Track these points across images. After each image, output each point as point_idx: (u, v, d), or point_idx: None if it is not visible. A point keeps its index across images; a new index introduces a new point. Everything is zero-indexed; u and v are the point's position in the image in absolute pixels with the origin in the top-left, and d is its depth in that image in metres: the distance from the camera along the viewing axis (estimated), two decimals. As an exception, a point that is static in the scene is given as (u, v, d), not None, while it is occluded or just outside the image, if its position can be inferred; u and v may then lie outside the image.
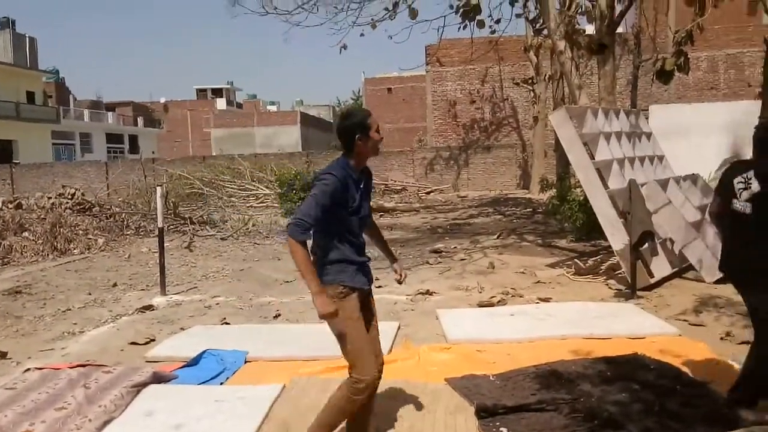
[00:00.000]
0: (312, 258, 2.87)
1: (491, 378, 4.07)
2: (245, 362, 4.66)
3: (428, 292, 6.94)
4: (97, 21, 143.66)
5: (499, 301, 6.41)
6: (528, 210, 15.66)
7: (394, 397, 3.79)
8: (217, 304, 6.89)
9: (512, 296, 6.67)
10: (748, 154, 13.19)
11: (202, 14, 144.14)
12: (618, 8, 10.03)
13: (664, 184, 7.71)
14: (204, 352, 4.73)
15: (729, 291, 6.37)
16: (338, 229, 2.91)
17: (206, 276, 8.56)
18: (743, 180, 3.26)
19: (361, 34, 12.81)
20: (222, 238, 12.11)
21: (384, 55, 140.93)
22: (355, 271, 2.97)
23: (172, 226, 13.08)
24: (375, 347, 3.06)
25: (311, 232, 2.83)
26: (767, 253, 3.19)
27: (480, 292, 6.91)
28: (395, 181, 24.22)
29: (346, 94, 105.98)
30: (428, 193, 23.21)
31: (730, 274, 3.46)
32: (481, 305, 6.29)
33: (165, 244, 7.81)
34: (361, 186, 3.00)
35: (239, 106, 63.58)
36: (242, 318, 6.23)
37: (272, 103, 71.53)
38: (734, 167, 3.49)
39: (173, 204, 14.32)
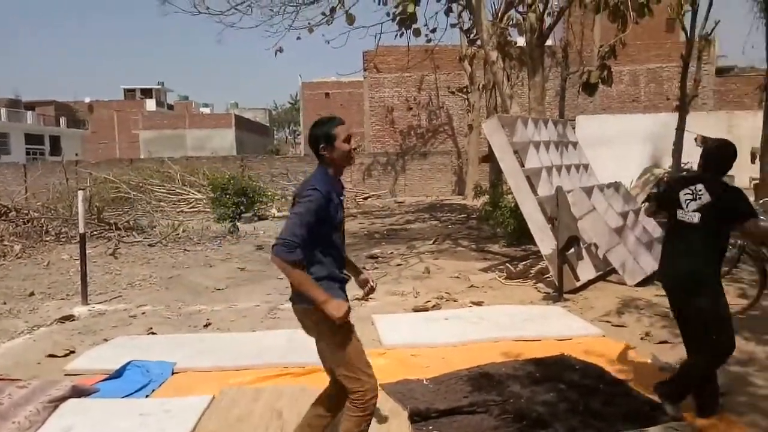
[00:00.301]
0: None
1: (425, 382, 4.11)
2: (172, 373, 4.49)
3: (364, 298, 6.92)
4: (16, 15, 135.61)
5: (434, 306, 6.49)
6: (463, 216, 15.97)
7: (328, 404, 3.75)
8: (143, 313, 6.60)
9: (447, 300, 6.76)
10: (666, 163, 14.00)
11: (131, 11, 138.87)
12: (547, 22, 10.42)
13: (588, 191, 8.05)
14: (128, 363, 4.52)
15: (649, 293, 6.73)
16: (322, 244, 2.79)
17: (132, 284, 8.21)
18: (691, 192, 3.48)
19: (298, 38, 12.73)
20: (150, 245, 11.65)
21: (322, 60, 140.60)
22: (338, 288, 2.87)
23: (95, 232, 12.48)
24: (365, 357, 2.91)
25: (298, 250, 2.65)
26: (711, 260, 3.43)
27: (416, 297, 6.96)
28: (332, 187, 24.15)
29: (284, 98, 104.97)
30: (366, 198, 23.29)
31: (672, 280, 3.57)
32: (416, 310, 6.34)
33: (87, 251, 7.43)
34: (341, 198, 2.90)
35: (170, 107, 61.55)
36: (170, 328, 6.00)
37: (205, 105, 69.73)
38: (678, 181, 3.74)
39: (97, 209, 13.67)
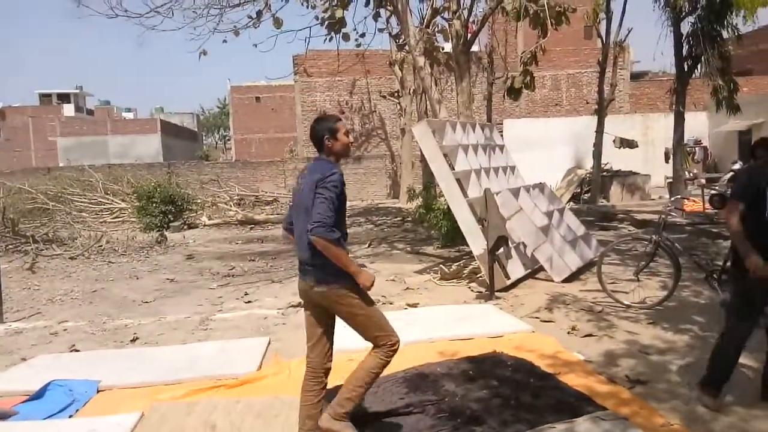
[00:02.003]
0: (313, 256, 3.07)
1: (361, 386, 4.11)
2: (98, 392, 4.29)
3: (300, 305, 6.82)
4: None
5: (369, 310, 6.50)
6: (398, 219, 16.12)
7: (263, 414, 3.69)
8: (65, 330, 6.27)
9: (383, 303, 6.80)
10: (588, 163, 14.68)
11: (45, 12, 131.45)
12: (472, 28, 10.70)
13: (515, 192, 8.33)
14: (49, 383, 4.29)
15: (575, 289, 7.04)
16: (338, 224, 3.06)
17: (52, 300, 7.77)
18: None
19: (224, 41, 12.47)
20: (71, 258, 11.07)
21: (251, 64, 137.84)
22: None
23: (10, 246, 11.73)
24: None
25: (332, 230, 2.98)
26: None
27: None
28: (266, 193, 23.75)
29: (212, 102, 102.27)
30: (298, 204, 23.03)
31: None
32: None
33: (2, 266, 6.97)
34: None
35: (90, 112, 58.65)
36: (94, 344, 5.72)
37: (128, 110, 66.91)
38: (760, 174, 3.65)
39: (12, 221, 12.86)
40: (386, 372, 4.36)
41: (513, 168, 9.77)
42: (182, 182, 21.32)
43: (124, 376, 4.53)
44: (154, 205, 14.84)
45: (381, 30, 14.37)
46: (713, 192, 14.19)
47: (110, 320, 6.59)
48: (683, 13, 14.97)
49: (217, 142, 69.15)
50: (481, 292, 7.12)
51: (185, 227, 15.63)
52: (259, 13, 11.39)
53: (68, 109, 53.59)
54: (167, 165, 25.72)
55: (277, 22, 11.32)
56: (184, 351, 5.19)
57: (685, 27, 15.12)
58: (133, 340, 5.76)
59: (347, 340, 5.24)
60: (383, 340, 3.19)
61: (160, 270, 9.77)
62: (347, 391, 3.15)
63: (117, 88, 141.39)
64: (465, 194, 7.69)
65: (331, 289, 3.09)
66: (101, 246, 12.03)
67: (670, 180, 16.81)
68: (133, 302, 7.50)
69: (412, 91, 20.86)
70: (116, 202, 17.64)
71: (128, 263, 10.51)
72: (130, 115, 62.05)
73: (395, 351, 3.23)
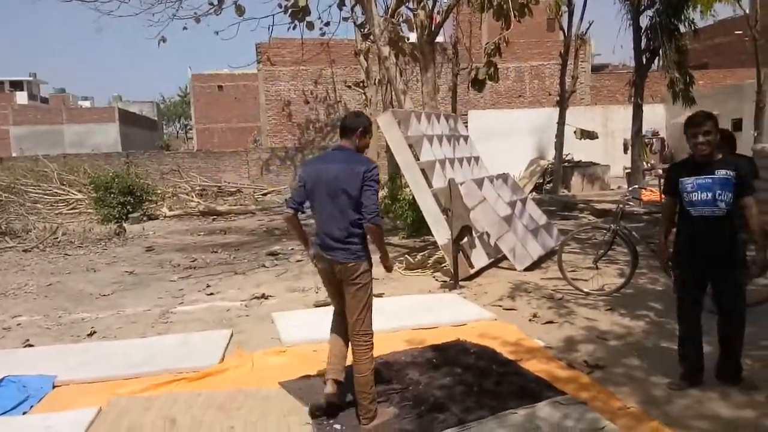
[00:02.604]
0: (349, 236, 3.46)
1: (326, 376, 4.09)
2: (53, 387, 4.17)
3: (264, 296, 6.80)
4: None
5: (334, 300, 6.48)
6: (362, 209, 16.09)
7: (225, 407, 3.65)
8: (19, 324, 6.06)
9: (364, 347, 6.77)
10: (550, 154, 14.88)
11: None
12: (437, 19, 10.70)
13: (479, 182, 8.41)
14: (2, 379, 4.18)
15: (536, 277, 7.17)
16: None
17: (5, 294, 7.50)
18: None
19: (184, 28, 12.16)
20: (25, 250, 10.70)
21: (213, 51, 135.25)
22: None
23: (-41, 239, 11.24)
24: None
25: (354, 215, 3.44)
26: None
27: (317, 293, 6.92)
28: (229, 183, 23.38)
29: (172, 91, 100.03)
30: (265, 194, 22.77)
31: None
32: (317, 305, 6.30)
33: (-52, 260, 6.68)
34: None
35: (44, 101, 56.63)
36: (49, 338, 5.55)
37: (85, 98, 64.87)
38: None
39: (-39, 213, 12.33)
40: (350, 361, 4.39)
41: (477, 159, 9.85)
42: (141, 172, 20.79)
43: (80, 371, 4.41)
44: (112, 196, 14.43)
45: (345, 19, 14.29)
46: (669, 182, 14.64)
47: (66, 314, 6.40)
48: (642, 7, 15.31)
49: (178, 132, 67.65)
50: (445, 281, 7.18)
51: (145, 219, 15.27)
52: (221, 0, 11.15)
53: (21, 97, 51.59)
54: (126, 155, 25.03)
55: (239, 10, 11.12)
56: (143, 344, 5.08)
57: (644, 21, 15.49)
58: (90, 334, 5.61)
59: (312, 332, 5.24)
60: (362, 327, 3.50)
61: (119, 262, 9.53)
62: (363, 400, 3.45)
63: (73, 75, 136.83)
64: (430, 184, 7.72)
65: (357, 264, 3.46)
66: (57, 238, 11.65)
67: (629, 170, 17.23)
68: (91, 295, 7.30)
69: (377, 81, 20.77)
70: (72, 193, 17.12)
71: (85, 256, 10.22)
72: (86, 104, 60.15)
73: (371, 347, 3.55)
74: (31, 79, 56.42)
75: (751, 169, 5.31)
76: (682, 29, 15.21)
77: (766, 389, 3.70)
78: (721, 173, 3.57)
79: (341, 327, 3.68)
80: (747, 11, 18.74)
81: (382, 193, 13.41)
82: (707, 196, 3.59)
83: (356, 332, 3.51)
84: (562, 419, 3.25)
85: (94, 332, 5.67)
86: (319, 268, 3.63)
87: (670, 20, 14.76)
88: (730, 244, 3.66)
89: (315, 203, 3.54)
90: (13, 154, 33.81)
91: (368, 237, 3.49)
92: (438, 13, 10.89)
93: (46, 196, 16.79)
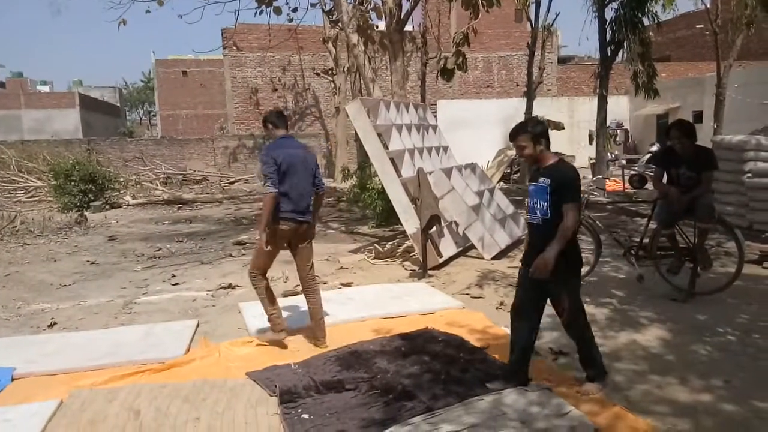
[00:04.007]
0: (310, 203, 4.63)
1: (293, 366, 4.08)
2: (12, 380, 4.04)
3: (230, 286, 6.71)
4: None
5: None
6: (332, 198, 16.01)
7: (191, 398, 3.59)
8: (-25, 316, 5.85)
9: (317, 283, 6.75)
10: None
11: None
12: (405, 7, 10.66)
13: (448, 172, 8.44)
14: (-44, 373, 4.00)
15: (503, 266, 7.25)
16: None
17: (-41, 285, 7.23)
18: None
19: (147, 11, 11.86)
20: (-19, 239, 10.33)
21: (178, 36, 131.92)
22: None
23: None
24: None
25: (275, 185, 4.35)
26: None
27: (285, 282, 6.88)
28: (195, 171, 22.98)
29: (135, 76, 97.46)
30: (232, 183, 22.47)
31: None
32: (286, 295, 6.26)
33: None
34: None
35: (1, 85, 54.59)
36: (8, 330, 5.37)
37: (44, 83, 62.62)
38: None
39: None
40: (317, 351, 4.39)
41: (446, 148, 9.89)
42: (104, 160, 20.30)
43: (41, 363, 4.29)
44: (72, 183, 14.03)
45: (313, 5, 14.10)
46: (633, 172, 14.99)
47: (25, 305, 6.21)
48: (607, 0, 15.53)
49: (141, 118, 66.07)
50: (414, 270, 7.21)
51: (107, 207, 14.90)
52: (186, -17, 10.87)
53: (-25, 81, 49.61)
54: (87, 141, 24.36)
55: (205, -7, 10.87)
56: (106, 336, 4.96)
57: (609, 13, 15.72)
58: (51, 326, 5.45)
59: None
60: (313, 270, 4.81)
61: (80, 252, 9.28)
62: (322, 322, 4.67)
63: (31, 59, 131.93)
64: (399, 174, 7.72)
65: (312, 224, 4.63)
66: (15, 227, 11.28)
67: (593, 161, 17.56)
68: (51, 286, 7.09)
69: (346, 69, 20.65)
70: (31, 181, 16.60)
71: (45, 245, 9.92)
72: (45, 89, 58.08)
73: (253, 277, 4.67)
74: (-15, 62, 54.23)
75: (710, 160, 5.48)
76: (646, 22, 15.52)
77: (720, 375, 3.83)
78: (541, 181, 3.46)
79: (268, 282, 4.70)
80: (708, 5, 19.20)
81: (351, 182, 13.38)
82: (530, 203, 3.57)
83: (311, 275, 4.71)
84: (527, 405, 3.31)
85: (55, 323, 5.51)
86: (285, 230, 4.43)
87: (634, 13, 15.02)
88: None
89: (292, 181, 4.36)
90: (-33, 140, 32.52)
91: (318, 202, 4.72)
92: (407, 1, 10.84)
93: (3, 184, 16.25)
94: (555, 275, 3.35)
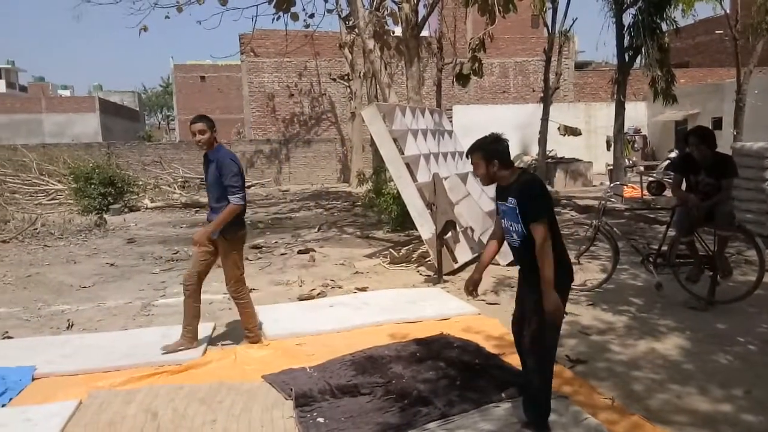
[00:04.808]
0: None
1: (308, 370, 4.10)
2: (33, 380, 4.10)
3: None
4: None
5: (319, 294, 6.48)
6: (348, 203, 16.05)
7: (207, 400, 3.62)
8: (-4, 316, 5.95)
9: (332, 288, 6.78)
10: (534, 150, 15.02)
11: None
12: (422, 13, 10.68)
13: (464, 177, 8.43)
14: (-21, 372, 4.07)
15: (518, 272, 7.20)
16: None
17: (-19, 285, 7.36)
18: None
19: (167, 17, 12.03)
20: (3, 241, 10.50)
21: (196, 42, 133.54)
22: None
23: (-66, 229, 11.00)
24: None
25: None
26: None
27: (300, 286, 6.91)
28: (211, 175, 23.16)
29: (154, 81, 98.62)
30: (248, 187, 22.62)
31: None
32: (301, 299, 6.29)
33: (-77, 250, 6.53)
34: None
35: (23, 89, 55.59)
36: (28, 330, 5.46)
37: (65, 87, 63.73)
38: None
39: (-64, 202, 12.07)
40: (333, 356, 4.39)
41: (461, 153, 9.87)
42: (123, 163, 20.54)
43: (60, 364, 4.35)
44: (92, 186, 14.23)
45: (330, 11, 14.20)
46: (650, 179, 14.83)
47: (46, 306, 6.31)
48: (625, 5, 15.40)
49: (160, 123, 66.82)
50: (429, 275, 7.20)
51: (126, 210, 15.08)
52: (204, -11, 11.01)
53: (-1, 85, 50.59)
54: (106, 145, 24.66)
55: (223, -1, 11.00)
56: (124, 337, 5.02)
57: (627, 19, 15.58)
58: (70, 327, 5.53)
59: (296, 325, 5.23)
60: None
61: (100, 254, 9.41)
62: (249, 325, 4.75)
63: (52, 64, 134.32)
64: (414, 179, 7.72)
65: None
66: (36, 229, 11.46)
67: (611, 167, 17.39)
68: (71, 287, 7.19)
69: (362, 74, 20.69)
70: (52, 184, 16.85)
71: (65, 247, 10.07)
72: (66, 93, 59.13)
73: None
74: (9, 66, 55.33)
75: (730, 167, 5.42)
76: (664, 27, 15.35)
77: (741, 385, 3.77)
78: (509, 201, 3.12)
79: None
80: (727, 11, 18.97)
81: (366, 187, 13.41)
82: (505, 224, 3.24)
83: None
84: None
85: (73, 324, 5.59)
86: (245, 233, 4.68)
87: (653, 18, 14.87)
88: (529, 281, 3.12)
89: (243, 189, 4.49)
90: (-10, 143, 33.12)
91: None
92: (424, 6, 10.86)
93: (24, 187, 16.50)
94: (535, 291, 3.03)
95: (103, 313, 5.96)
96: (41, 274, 7.97)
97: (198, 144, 4.52)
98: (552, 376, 3.18)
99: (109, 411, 3.51)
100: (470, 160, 3.29)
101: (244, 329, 4.77)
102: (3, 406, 3.73)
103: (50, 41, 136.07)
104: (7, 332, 5.36)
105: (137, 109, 57.64)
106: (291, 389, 3.72)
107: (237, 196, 4.40)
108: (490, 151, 3.17)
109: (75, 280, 7.51)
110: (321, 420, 3.35)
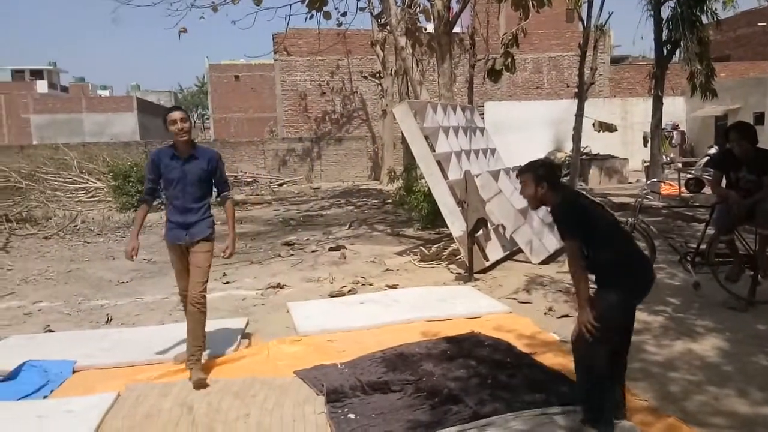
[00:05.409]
0: None
1: (339, 366, 4.13)
2: (73, 372, 4.24)
3: (279, 286, 6.84)
4: None
5: (349, 291, 6.52)
6: (378, 200, 16.10)
7: (241, 395, 3.69)
8: (39, 310, 6.17)
9: (363, 285, 6.81)
10: (568, 147, 14.76)
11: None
12: (454, 9, 10.61)
13: (495, 174, 8.36)
14: (23, 363, 4.23)
15: (552, 271, 7.12)
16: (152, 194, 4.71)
17: (26, 279, 7.63)
18: None
19: (201, 17, 12.20)
20: (45, 237, 10.87)
21: (230, 41, 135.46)
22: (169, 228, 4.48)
23: (-18, 225, 11.44)
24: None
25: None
26: None
27: (331, 283, 6.96)
28: (245, 173, 23.51)
29: (190, 80, 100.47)
30: (281, 185, 22.87)
31: None
32: (332, 295, 6.34)
33: (-28, 246, 6.81)
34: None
35: (64, 89, 57.29)
36: (69, 324, 5.65)
37: (104, 88, 65.50)
38: None
39: (-17, 200, 12.55)
40: (364, 353, 4.42)
41: (493, 150, 9.79)
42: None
43: (99, 357, 4.48)
44: (130, 184, 14.58)
45: (362, 9, 14.24)
46: (689, 176, 14.44)
47: (86, 301, 6.51)
48: (663, -2, 15.04)
49: (195, 121, 68.05)
50: (460, 273, 7.17)
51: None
52: (238, -11, 11.16)
53: (41, 86, 52.27)
54: (144, 144, 25.28)
55: (257, -1, 11.13)
56: (161, 332, 5.14)
57: (665, 12, 15.22)
58: (109, 321, 5.70)
59: (327, 322, 5.28)
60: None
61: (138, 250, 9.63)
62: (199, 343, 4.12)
63: (92, 64, 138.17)
64: (445, 176, 7.69)
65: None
66: (76, 226, 11.82)
67: (648, 164, 17.01)
68: (110, 282, 7.40)
69: (393, 72, 20.71)
70: (92, 181, 17.31)
71: (104, 243, 10.36)
72: (105, 93, 60.80)
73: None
74: (51, 68, 57.08)
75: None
76: (704, 20, 14.93)
77: None
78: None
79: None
80: (772, 2, 18.32)
81: (397, 184, 13.42)
82: None
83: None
84: (577, 414, 3.24)
85: (112, 319, 5.76)
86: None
87: (692, 11, 14.48)
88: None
89: None
90: (34, 142, 34.30)
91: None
92: (457, 2, 10.79)
93: (65, 184, 17.00)
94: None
95: (140, 308, 6.12)
96: (81, 269, 8.22)
97: (180, 133, 4.17)
98: (602, 384, 3.10)
99: (146, 404, 3.61)
100: (519, 179, 3.39)
101: (194, 346, 4.03)
102: (45, 397, 3.87)
103: (90, 43, 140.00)
104: (48, 326, 5.55)
105: (173, 108, 58.73)
106: (322, 385, 3.75)
107: (231, 191, 4.35)
108: (539, 175, 3.28)
109: (114, 276, 7.73)
110: (352, 416, 3.38)
